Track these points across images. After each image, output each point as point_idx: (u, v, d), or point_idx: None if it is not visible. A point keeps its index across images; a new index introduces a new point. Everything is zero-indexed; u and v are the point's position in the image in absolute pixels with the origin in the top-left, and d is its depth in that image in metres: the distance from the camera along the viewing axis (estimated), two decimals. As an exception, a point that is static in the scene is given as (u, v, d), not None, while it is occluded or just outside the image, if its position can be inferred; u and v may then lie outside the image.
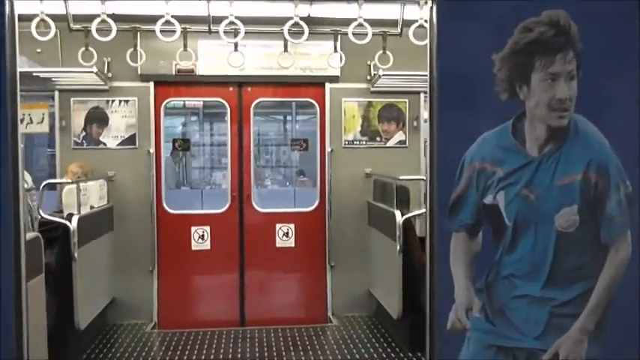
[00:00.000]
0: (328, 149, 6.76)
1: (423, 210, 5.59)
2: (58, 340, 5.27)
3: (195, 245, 6.71)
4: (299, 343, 6.04)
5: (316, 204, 6.89)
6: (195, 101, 12.32)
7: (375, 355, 5.59)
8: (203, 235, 6.71)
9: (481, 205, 2.72)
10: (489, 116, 2.69)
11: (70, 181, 5.66)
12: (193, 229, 6.71)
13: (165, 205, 6.71)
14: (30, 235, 4.27)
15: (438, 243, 2.64)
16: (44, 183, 5.26)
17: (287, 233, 6.81)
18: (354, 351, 5.75)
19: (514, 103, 2.69)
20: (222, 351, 5.83)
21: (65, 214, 5.49)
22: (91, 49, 5.62)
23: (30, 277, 4.22)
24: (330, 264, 6.82)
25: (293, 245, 6.83)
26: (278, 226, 6.81)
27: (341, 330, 6.40)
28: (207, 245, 6.72)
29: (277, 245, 6.81)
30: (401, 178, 5.67)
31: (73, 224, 5.24)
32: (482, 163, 2.70)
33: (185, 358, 5.65)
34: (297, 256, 6.86)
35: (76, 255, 5.25)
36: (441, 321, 2.69)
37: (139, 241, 6.62)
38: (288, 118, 15.62)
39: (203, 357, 5.67)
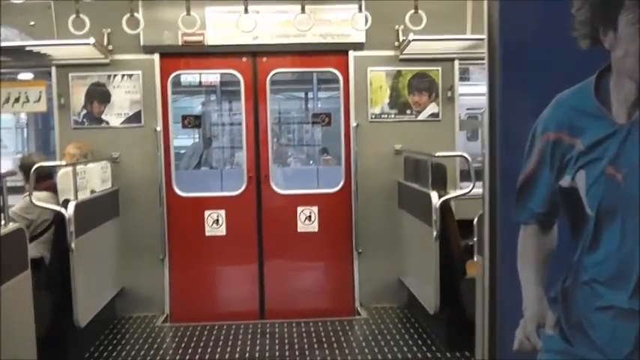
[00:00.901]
0: (353, 124, 6.12)
1: (465, 191, 5.09)
2: (58, 339, 4.77)
3: (209, 231, 6.14)
4: (324, 339, 5.47)
5: (341, 184, 6.27)
6: (212, 77, 11.70)
7: (410, 355, 5.00)
8: (218, 220, 6.14)
9: (556, 188, 2.07)
10: (566, 71, 2.03)
11: (64, 163, 5.09)
12: (207, 213, 6.14)
13: (175, 187, 6.13)
14: (9, 227, 3.73)
15: (501, 239, 2.01)
16: (35, 167, 4.70)
17: (309, 217, 6.21)
18: (386, 349, 5.16)
19: (597, 54, 2.02)
20: (238, 348, 5.28)
21: (61, 200, 4.94)
22: (82, 16, 5.02)
23: (12, 274, 3.72)
24: (357, 250, 6.22)
25: (316, 230, 6.22)
26: (300, 209, 6.21)
27: (370, 324, 5.81)
28: (222, 231, 6.15)
29: (299, 230, 6.22)
30: (437, 154, 5.01)
31: (69, 211, 4.69)
32: (558, 132, 2.05)
33: (198, 356, 5.11)
34: (321, 242, 6.27)
35: (73, 246, 4.71)
36: (505, 339, 2.06)
37: (148, 228, 6.07)
38: (310, 95, 14.95)
39: (218, 355, 5.12)
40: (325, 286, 6.34)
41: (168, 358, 5.15)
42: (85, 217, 4.98)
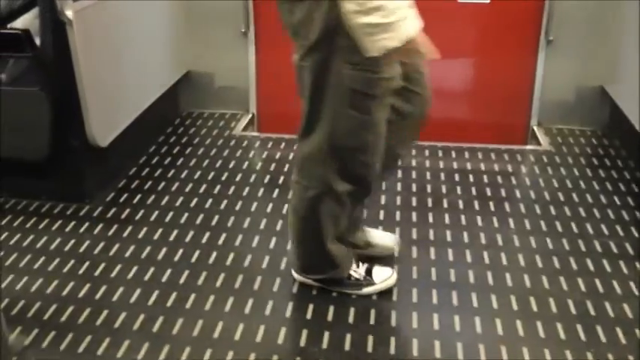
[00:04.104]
0: None
1: None
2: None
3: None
4: (474, 186, 3.37)
5: None
6: None
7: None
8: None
9: None
10: None
11: None
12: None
13: None
14: None
15: None
16: None
17: (480, -22, 3.81)
18: (577, 224, 3.02)
19: None
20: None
21: None
22: None
23: None
24: (546, 37, 3.85)
25: (487, 0, 3.84)
26: (465, -37, 3.79)
27: (554, 160, 3.63)
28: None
29: (460, 0, 3.85)
30: None
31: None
32: None
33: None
34: (492, 20, 3.87)
35: (69, 14, 2.70)
36: None
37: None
38: None
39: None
40: (487, 90, 4.04)
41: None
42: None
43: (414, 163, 3.55)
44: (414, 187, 3.30)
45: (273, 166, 3.52)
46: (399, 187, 3.30)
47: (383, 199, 3.18)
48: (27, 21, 2.98)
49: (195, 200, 3.17)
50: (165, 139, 3.82)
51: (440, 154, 3.67)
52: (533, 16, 3.86)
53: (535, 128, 4.03)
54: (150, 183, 3.32)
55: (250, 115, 4.14)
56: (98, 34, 2.97)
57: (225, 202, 3.16)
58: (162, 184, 3.32)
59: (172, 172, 3.43)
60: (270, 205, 3.13)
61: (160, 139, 3.80)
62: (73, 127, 2.94)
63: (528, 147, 3.85)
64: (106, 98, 3.07)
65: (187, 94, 4.15)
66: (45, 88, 2.85)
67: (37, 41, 2.83)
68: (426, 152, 3.67)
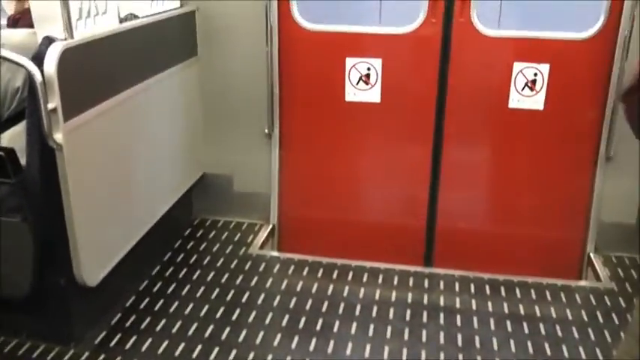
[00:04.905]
0: None
1: None
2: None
3: (352, 93, 3.48)
4: (530, 339, 2.82)
5: (600, 24, 3.26)
6: None
7: None
8: (369, 76, 3.43)
9: None
10: None
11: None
12: (350, 62, 3.42)
13: (296, 12, 3.41)
14: None
15: None
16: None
17: (533, 82, 3.35)
18: None
19: None
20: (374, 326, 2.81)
21: (39, 37, 2.39)
22: None
23: None
24: (606, 153, 3.38)
25: (541, 107, 3.39)
26: (518, 66, 3.34)
27: (618, 303, 3.09)
28: (374, 95, 3.46)
29: (511, 105, 3.40)
30: None
31: (47, 67, 2.19)
32: None
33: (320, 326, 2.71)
34: (546, 130, 3.45)
35: (58, 137, 2.26)
36: None
37: (248, 81, 3.51)
38: None
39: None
40: (539, 212, 3.58)
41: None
42: (100, 72, 2.49)
43: (458, 303, 3.03)
44: (459, 339, 2.77)
45: (293, 301, 3.01)
46: (441, 338, 2.77)
47: (423, 355, 2.65)
48: (15, 135, 2.56)
49: (199, 347, 2.66)
50: (172, 256, 3.35)
51: (487, 290, 3.15)
52: (592, 128, 3.40)
53: (592, 256, 3.52)
54: (149, 319, 2.83)
55: (270, 227, 3.67)
56: (93, 156, 2.53)
57: (233, 353, 2.65)
58: (163, 321, 2.83)
59: (175, 304, 2.95)
60: (289, 360, 2.62)
61: (165, 257, 3.33)
62: (59, 263, 2.48)
63: (587, 284, 3.32)
64: (99, 231, 2.60)
65: (202, 199, 3.71)
66: (28, 218, 2.41)
67: (23, 161, 2.41)
68: (472, 288, 3.16)
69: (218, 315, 2.87)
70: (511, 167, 3.54)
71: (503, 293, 3.13)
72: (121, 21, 2.77)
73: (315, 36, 3.45)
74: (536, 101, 3.38)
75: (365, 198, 3.69)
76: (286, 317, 2.88)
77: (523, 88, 3.37)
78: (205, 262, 3.32)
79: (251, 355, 2.62)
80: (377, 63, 3.41)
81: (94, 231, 2.55)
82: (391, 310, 2.94)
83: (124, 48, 2.72)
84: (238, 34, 3.46)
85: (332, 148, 3.60)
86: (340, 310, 2.93)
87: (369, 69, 3.42)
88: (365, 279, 3.22)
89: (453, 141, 3.49)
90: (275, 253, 3.52)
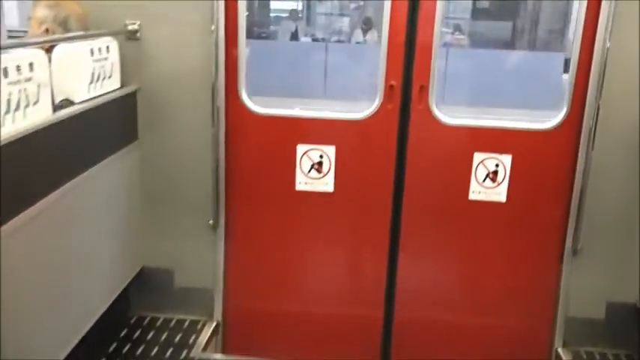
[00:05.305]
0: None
1: None
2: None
3: (303, 182, 3.25)
4: None
5: (562, 115, 3.12)
6: None
7: None
8: (321, 164, 3.21)
9: None
10: None
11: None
12: (301, 149, 3.20)
13: (243, 95, 3.20)
14: None
15: None
16: None
17: (495, 173, 3.17)
18: None
19: None
20: None
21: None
22: None
23: None
24: (573, 246, 3.21)
25: (503, 199, 3.21)
26: (478, 157, 3.16)
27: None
28: (327, 184, 3.25)
29: (472, 197, 3.22)
30: None
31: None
32: None
33: None
34: (510, 223, 3.28)
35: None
36: None
37: (191, 167, 3.26)
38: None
39: None
40: (504, 306, 3.40)
41: None
42: (31, 172, 2.22)
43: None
44: None
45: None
46: None
47: None
48: None
49: None
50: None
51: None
52: (557, 220, 3.26)
53: (560, 351, 3.32)
54: None
55: (214, 324, 3.37)
56: (24, 262, 2.23)
57: None
58: None
59: None
60: None
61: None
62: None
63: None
64: (27, 342, 2.28)
65: (140, 294, 3.40)
66: None
67: None
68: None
69: None
70: (474, 260, 3.35)
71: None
72: (56, 109, 2.51)
73: (264, 120, 3.24)
74: (498, 193, 3.21)
75: (317, 292, 3.43)
76: None
77: (484, 180, 3.19)
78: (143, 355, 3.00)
79: None
80: (330, 150, 3.20)
81: (22, 342, 2.23)
82: None
83: (58, 142, 2.45)
84: (182, 116, 3.22)
85: (282, 239, 3.36)
86: None
87: (321, 156, 3.21)
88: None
89: (411, 233, 3.28)
90: (219, 356, 3.23)
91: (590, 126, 3.03)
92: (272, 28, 13.22)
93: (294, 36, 11.94)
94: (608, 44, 2.93)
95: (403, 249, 3.30)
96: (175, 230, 3.34)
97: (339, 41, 12.41)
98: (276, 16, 13.70)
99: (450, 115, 3.15)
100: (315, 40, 12.55)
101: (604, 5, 2.92)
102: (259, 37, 12.55)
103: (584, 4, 2.98)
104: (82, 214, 2.69)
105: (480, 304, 3.39)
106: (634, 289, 3.21)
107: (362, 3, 14.19)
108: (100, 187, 2.85)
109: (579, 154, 3.11)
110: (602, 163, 3.09)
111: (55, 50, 2.54)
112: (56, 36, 2.64)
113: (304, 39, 12.18)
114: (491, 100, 9.34)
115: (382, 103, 3.14)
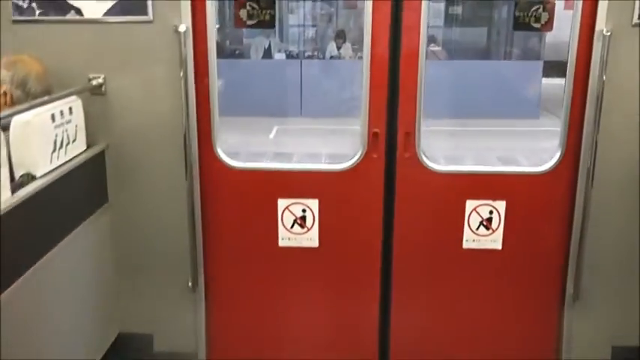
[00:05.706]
0: (604, 30, 2.71)
1: None
2: None
3: (286, 238, 3.06)
4: None
5: (556, 159, 2.96)
6: None
7: None
8: (304, 218, 3.02)
9: None
10: None
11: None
12: (283, 204, 3.01)
13: (219, 149, 3.00)
14: None
15: None
16: None
17: (489, 220, 3.01)
18: None
19: None
20: None
21: None
22: None
23: None
24: (571, 291, 3.05)
25: (499, 247, 3.04)
26: (471, 204, 2.99)
27: None
28: (311, 239, 3.05)
29: (466, 245, 3.04)
30: None
31: None
32: None
33: None
34: (507, 270, 3.11)
35: None
36: None
37: (166, 226, 3.05)
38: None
39: None
40: (504, 356, 3.21)
41: None
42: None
43: None
44: None
45: None
46: None
47: None
48: None
49: None
50: None
51: None
52: (557, 266, 3.08)
53: (561, 404, 3.17)
54: None
55: (196, 392, 3.17)
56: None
57: None
58: None
59: None
60: None
61: None
62: None
63: None
64: None
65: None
66: None
67: None
68: None
69: None
70: (471, 311, 3.18)
71: None
72: (15, 187, 2.29)
73: (241, 175, 3.04)
74: (493, 240, 3.04)
75: (306, 353, 3.22)
76: None
77: (478, 228, 3.02)
78: None
79: None
80: (313, 204, 3.01)
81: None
82: None
83: (20, 225, 2.24)
84: (154, 173, 3.02)
85: (266, 298, 3.16)
86: None
87: (304, 211, 3.02)
88: None
89: (403, 287, 3.11)
90: None
91: (587, 166, 2.88)
92: (245, 42, 12.99)
93: (268, 52, 11.75)
94: (604, 77, 2.78)
95: (396, 304, 3.12)
96: (153, 293, 3.14)
97: (312, 56, 12.23)
98: (250, 31, 13.47)
99: (437, 164, 2.98)
100: (289, 56, 12.34)
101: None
102: (232, 54, 12.35)
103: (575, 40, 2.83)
104: (54, 289, 2.50)
105: (479, 355, 3.22)
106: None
107: (332, 9, 13.99)
108: (71, 258, 2.64)
109: (577, 196, 2.94)
110: (600, 205, 2.94)
111: (13, 121, 2.33)
112: (12, 109, 2.39)
113: (278, 55, 11.97)
114: (470, 111, 9.23)
115: (366, 152, 2.96)
